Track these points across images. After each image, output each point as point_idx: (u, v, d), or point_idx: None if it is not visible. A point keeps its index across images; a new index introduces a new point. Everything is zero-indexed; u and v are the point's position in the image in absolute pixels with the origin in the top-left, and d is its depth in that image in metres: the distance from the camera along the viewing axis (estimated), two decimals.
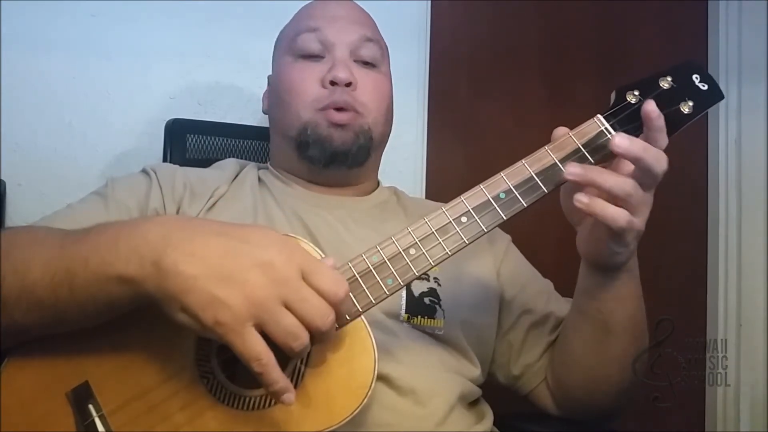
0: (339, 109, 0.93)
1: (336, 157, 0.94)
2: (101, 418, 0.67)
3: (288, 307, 0.61)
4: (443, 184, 1.59)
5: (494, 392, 0.97)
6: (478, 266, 0.98)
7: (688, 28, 1.83)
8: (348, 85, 0.94)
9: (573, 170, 0.71)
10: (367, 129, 0.95)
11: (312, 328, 0.62)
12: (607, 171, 0.72)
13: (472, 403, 0.91)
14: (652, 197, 0.75)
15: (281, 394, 0.62)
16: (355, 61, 0.97)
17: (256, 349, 0.60)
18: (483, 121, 1.69)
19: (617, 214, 0.71)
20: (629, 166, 0.73)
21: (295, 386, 0.68)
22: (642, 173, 0.71)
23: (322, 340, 0.64)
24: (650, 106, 0.72)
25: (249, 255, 0.62)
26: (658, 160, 0.71)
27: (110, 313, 0.67)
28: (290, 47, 0.99)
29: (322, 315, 0.62)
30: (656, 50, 1.77)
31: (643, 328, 0.87)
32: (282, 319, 0.61)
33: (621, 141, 0.70)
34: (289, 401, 0.62)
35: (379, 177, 1.08)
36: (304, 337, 0.61)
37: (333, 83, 0.94)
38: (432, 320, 0.89)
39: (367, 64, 0.98)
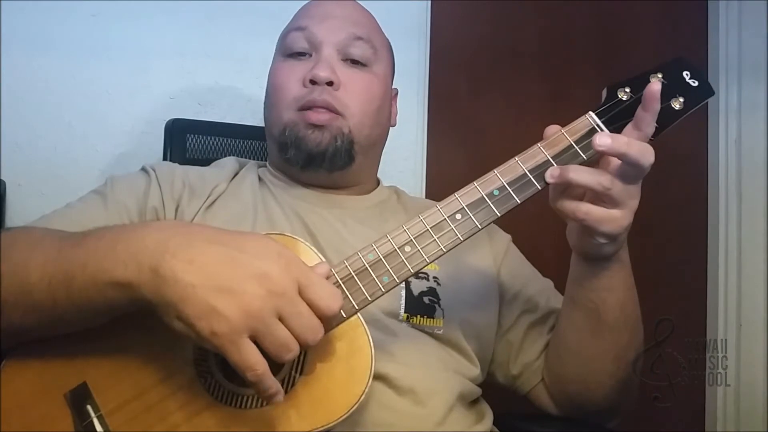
0: (318, 109, 0.91)
1: (312, 160, 0.92)
2: (99, 418, 0.67)
3: (282, 319, 0.62)
4: (443, 184, 1.59)
5: (494, 392, 0.97)
6: (478, 266, 0.98)
7: (688, 28, 1.83)
8: (330, 84, 0.92)
9: (551, 172, 0.73)
10: (347, 131, 0.92)
11: (301, 341, 0.63)
12: (583, 168, 0.72)
13: (472, 403, 0.90)
14: (638, 189, 0.75)
15: (273, 398, 0.63)
16: (343, 60, 0.95)
17: (251, 360, 0.61)
18: (483, 121, 1.69)
19: (574, 208, 0.74)
20: (616, 161, 0.73)
21: (291, 387, 0.69)
22: (629, 167, 0.72)
23: (308, 350, 0.66)
24: (656, 86, 0.73)
25: (247, 265, 0.62)
26: (643, 153, 0.71)
27: (108, 316, 0.67)
28: (281, 46, 0.99)
29: (313, 330, 0.63)
30: (656, 50, 1.77)
31: (636, 319, 0.87)
32: (276, 331, 0.61)
33: (602, 139, 0.70)
34: (279, 400, 0.63)
35: (379, 177, 1.07)
36: (296, 349, 0.62)
37: (313, 82, 0.92)
38: (431, 319, 0.88)
39: (356, 63, 0.96)
